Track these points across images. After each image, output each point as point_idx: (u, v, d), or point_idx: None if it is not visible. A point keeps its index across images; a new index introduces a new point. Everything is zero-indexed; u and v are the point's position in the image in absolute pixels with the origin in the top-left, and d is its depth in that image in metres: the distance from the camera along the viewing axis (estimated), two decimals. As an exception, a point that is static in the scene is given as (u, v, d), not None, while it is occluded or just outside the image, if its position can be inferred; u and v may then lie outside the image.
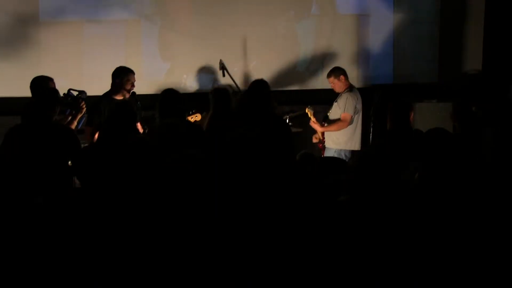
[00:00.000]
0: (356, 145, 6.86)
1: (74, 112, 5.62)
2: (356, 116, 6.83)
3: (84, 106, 5.66)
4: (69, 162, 4.81)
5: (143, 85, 6.79)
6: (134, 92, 6.04)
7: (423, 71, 8.40)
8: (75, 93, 5.73)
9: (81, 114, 5.66)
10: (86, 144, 5.49)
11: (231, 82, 7.29)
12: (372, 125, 7.18)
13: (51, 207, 3.64)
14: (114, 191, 3.93)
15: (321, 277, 3.10)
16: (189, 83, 7.70)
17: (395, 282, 3.10)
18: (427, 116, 7.55)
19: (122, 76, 5.97)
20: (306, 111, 6.96)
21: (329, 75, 6.96)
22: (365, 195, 3.33)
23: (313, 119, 6.91)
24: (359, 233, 3.18)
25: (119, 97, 5.95)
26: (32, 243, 3.32)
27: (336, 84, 6.90)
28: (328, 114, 7.00)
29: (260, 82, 5.40)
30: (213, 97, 5.79)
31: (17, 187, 3.84)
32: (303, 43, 8.06)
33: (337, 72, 6.92)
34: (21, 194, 3.67)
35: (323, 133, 7.02)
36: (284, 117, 7.02)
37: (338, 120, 6.82)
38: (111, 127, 4.79)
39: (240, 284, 3.13)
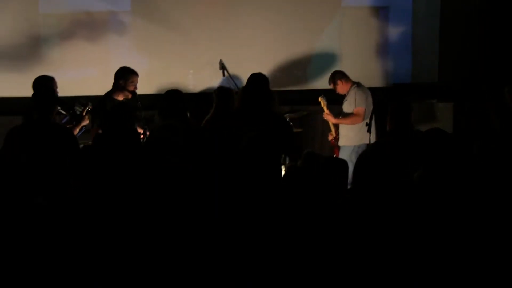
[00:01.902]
0: (368, 139, 6.84)
1: (74, 123, 5.65)
2: (367, 109, 6.78)
3: (87, 118, 5.70)
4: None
5: (143, 85, 6.77)
6: (135, 92, 6.03)
7: (425, 70, 8.40)
8: (79, 109, 5.72)
9: (83, 124, 5.69)
10: (87, 144, 5.48)
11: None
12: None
13: (52, 207, 3.64)
14: (113, 192, 3.93)
15: (320, 277, 3.10)
16: (189, 83, 7.69)
17: (395, 282, 3.10)
18: (427, 116, 7.55)
19: (126, 77, 5.97)
20: (319, 99, 6.96)
21: (328, 82, 7.00)
22: (364, 197, 3.33)
23: (326, 110, 6.93)
24: (358, 234, 3.18)
25: (120, 98, 5.95)
26: (32, 243, 3.31)
27: (337, 88, 6.95)
28: (342, 111, 6.99)
29: (258, 77, 5.33)
30: (216, 96, 5.79)
31: (17, 187, 3.83)
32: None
33: (333, 77, 6.97)
34: (21, 194, 3.67)
35: (336, 129, 7.01)
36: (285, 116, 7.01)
37: (352, 114, 6.81)
38: (109, 127, 4.80)
39: (240, 284, 3.13)
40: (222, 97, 5.74)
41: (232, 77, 7.29)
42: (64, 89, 5.80)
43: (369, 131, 6.23)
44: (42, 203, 3.67)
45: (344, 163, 4.41)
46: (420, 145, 3.76)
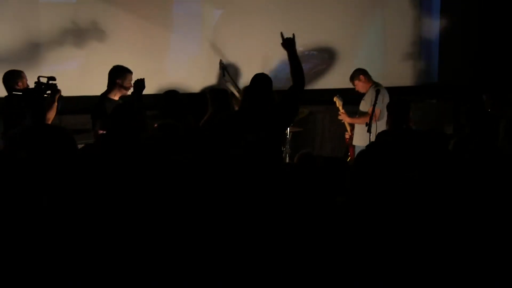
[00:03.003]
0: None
1: (50, 96, 5.53)
2: (382, 110, 6.78)
3: (57, 88, 5.66)
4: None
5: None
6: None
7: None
8: (44, 80, 5.61)
9: (58, 95, 5.64)
10: (88, 143, 5.49)
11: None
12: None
13: (55, 209, 3.65)
14: (116, 192, 3.95)
15: (318, 278, 3.11)
16: (188, 83, 7.69)
17: (393, 283, 3.11)
18: (427, 116, 7.56)
19: (123, 76, 5.96)
20: (334, 99, 6.99)
21: (350, 79, 7.03)
22: (363, 196, 3.34)
23: (341, 110, 6.96)
24: (356, 234, 3.19)
25: (117, 97, 5.95)
26: (36, 244, 3.32)
27: (358, 85, 6.97)
28: (359, 110, 7.03)
29: (261, 78, 5.32)
30: (210, 97, 5.80)
31: (20, 189, 3.83)
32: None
33: (356, 73, 7.01)
34: (25, 196, 3.67)
35: (352, 128, 7.03)
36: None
37: (367, 113, 6.82)
38: (114, 128, 4.81)
39: (238, 284, 3.14)
40: (217, 98, 5.75)
41: (232, 77, 7.30)
42: (63, 88, 5.76)
43: (369, 131, 6.25)
44: (44, 204, 3.68)
45: (343, 163, 4.42)
46: (418, 145, 3.77)
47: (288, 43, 4.97)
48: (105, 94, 5.96)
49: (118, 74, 5.97)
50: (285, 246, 3.17)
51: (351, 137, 7.12)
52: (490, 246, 3.25)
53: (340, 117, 7.07)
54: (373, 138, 6.58)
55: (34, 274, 3.22)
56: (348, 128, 7.15)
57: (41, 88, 5.51)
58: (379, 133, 5.60)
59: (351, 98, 7.11)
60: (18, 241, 3.32)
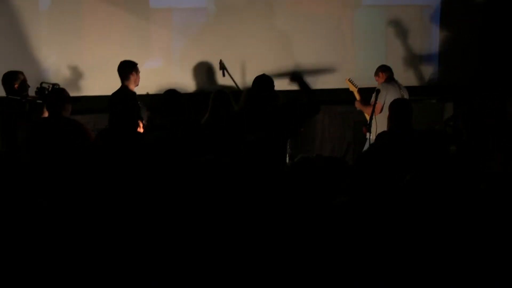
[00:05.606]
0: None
1: None
2: (385, 106, 6.82)
3: None
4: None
5: (143, 85, 6.78)
6: (134, 92, 6.06)
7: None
8: (48, 86, 5.66)
9: None
10: None
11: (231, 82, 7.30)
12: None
13: (53, 208, 3.65)
14: (118, 191, 3.95)
15: (318, 278, 3.12)
16: (188, 83, 7.70)
17: (393, 283, 3.11)
18: (427, 116, 7.57)
19: (137, 70, 6.13)
20: (346, 81, 7.11)
21: (374, 75, 7.20)
22: (363, 197, 3.34)
23: (357, 96, 7.07)
24: (357, 235, 3.19)
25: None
26: (36, 245, 3.33)
27: (378, 81, 7.11)
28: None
29: (263, 79, 5.32)
30: (212, 99, 5.83)
31: (23, 189, 3.83)
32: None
33: (377, 70, 7.17)
34: (26, 197, 3.67)
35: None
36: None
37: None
38: (115, 124, 4.83)
39: (239, 284, 3.14)
40: (217, 100, 5.78)
41: (232, 78, 7.30)
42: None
43: (369, 131, 6.25)
44: (44, 205, 3.69)
45: (343, 163, 4.42)
46: (418, 145, 3.77)
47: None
48: (125, 89, 5.99)
49: (131, 69, 6.08)
50: (285, 246, 3.17)
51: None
52: (490, 246, 3.26)
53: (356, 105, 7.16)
54: (373, 136, 6.64)
55: (35, 274, 3.22)
56: (368, 117, 7.15)
57: (43, 95, 5.52)
58: (379, 134, 5.61)
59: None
60: (19, 241, 3.33)
